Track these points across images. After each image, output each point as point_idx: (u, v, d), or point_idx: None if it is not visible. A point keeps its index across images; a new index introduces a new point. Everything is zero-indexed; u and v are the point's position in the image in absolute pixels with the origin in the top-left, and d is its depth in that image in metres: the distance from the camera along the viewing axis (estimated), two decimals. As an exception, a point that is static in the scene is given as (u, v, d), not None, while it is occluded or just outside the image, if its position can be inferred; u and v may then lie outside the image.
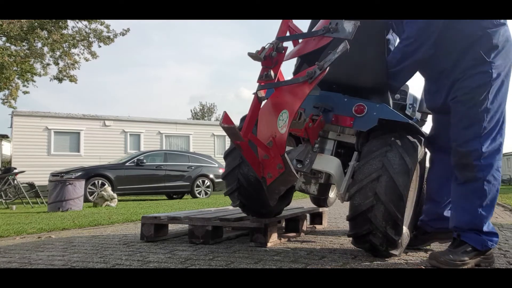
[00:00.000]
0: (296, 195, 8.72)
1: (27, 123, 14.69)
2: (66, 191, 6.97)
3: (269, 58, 1.85)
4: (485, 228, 1.99)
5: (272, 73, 1.82)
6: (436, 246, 2.62)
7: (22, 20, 11.74)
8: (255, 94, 1.88)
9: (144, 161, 11.25)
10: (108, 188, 8.65)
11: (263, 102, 1.96)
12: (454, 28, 2.05)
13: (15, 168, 10.13)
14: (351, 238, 2.20)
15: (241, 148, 1.79)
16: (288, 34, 2.16)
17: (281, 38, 1.94)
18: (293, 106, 1.81)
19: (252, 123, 1.83)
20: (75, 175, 9.78)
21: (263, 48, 1.87)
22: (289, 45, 2.06)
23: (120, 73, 73.34)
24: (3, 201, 8.65)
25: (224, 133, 1.78)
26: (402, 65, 2.17)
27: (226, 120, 1.65)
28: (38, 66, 13.78)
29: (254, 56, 1.83)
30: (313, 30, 2.05)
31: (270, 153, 1.83)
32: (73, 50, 13.76)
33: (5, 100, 14.02)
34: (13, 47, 12.60)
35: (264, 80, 1.82)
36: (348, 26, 1.83)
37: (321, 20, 2.01)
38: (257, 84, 1.91)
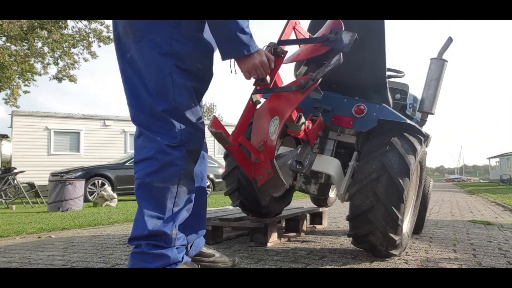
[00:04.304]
0: (296, 195, 8.72)
1: (27, 123, 14.71)
2: (66, 191, 6.97)
3: None
4: None
5: (267, 77, 1.81)
6: (436, 247, 2.62)
7: (22, 20, 11.74)
8: (250, 97, 1.88)
9: (144, 161, 11.21)
10: (108, 188, 8.65)
11: (259, 105, 1.95)
12: None
13: (15, 168, 10.13)
14: (351, 238, 2.21)
15: (231, 152, 1.79)
16: (294, 36, 2.14)
17: (281, 41, 1.94)
18: (284, 113, 1.84)
19: (244, 127, 1.82)
20: (75, 175, 9.78)
21: None
22: (289, 48, 2.05)
23: (120, 73, 73.47)
24: (3, 201, 8.65)
25: (225, 134, 1.77)
26: None
27: (214, 124, 1.64)
28: (38, 66, 13.80)
29: None
30: (314, 36, 2.06)
31: (261, 157, 1.85)
32: (72, 50, 13.77)
33: (8, 100, 14.02)
34: (13, 47, 12.60)
35: (260, 84, 1.81)
36: (346, 37, 1.84)
37: (326, 22, 2.01)
38: (253, 87, 1.90)
